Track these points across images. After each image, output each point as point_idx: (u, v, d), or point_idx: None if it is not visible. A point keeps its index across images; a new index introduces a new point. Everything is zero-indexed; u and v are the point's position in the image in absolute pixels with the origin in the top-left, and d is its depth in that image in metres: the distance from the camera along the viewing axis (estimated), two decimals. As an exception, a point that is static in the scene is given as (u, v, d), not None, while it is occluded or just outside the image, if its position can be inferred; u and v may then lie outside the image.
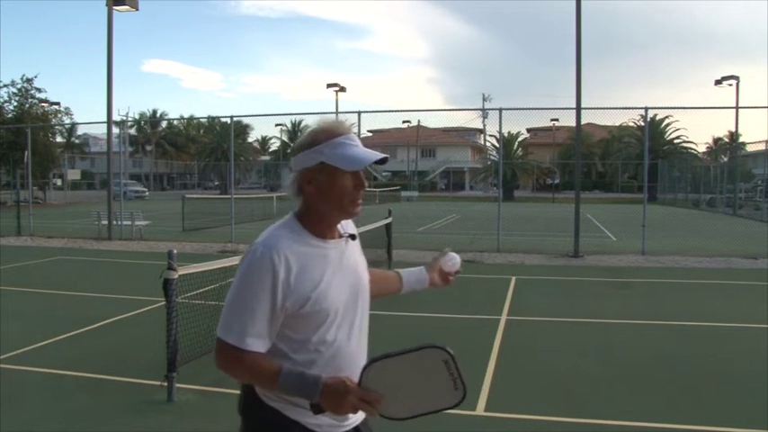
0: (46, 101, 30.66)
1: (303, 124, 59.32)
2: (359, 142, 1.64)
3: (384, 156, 1.64)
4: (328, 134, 1.61)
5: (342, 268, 1.67)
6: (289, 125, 59.24)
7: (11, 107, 29.67)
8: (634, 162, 44.12)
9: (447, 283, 2.07)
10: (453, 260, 2.05)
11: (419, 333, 6.22)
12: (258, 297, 1.56)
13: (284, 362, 1.59)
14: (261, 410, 1.65)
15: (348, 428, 1.69)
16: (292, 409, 1.61)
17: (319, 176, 1.61)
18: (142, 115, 63.81)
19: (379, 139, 57.41)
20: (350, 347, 1.67)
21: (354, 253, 1.76)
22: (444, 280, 2.06)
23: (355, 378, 1.52)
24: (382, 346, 1.61)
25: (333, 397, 1.50)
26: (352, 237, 1.74)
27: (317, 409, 1.52)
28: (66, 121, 33.15)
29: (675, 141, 45.16)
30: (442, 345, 1.48)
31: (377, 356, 1.51)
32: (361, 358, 1.70)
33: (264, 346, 1.59)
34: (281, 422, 1.62)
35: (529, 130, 56.59)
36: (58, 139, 48.25)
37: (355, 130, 1.74)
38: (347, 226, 1.77)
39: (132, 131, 59.40)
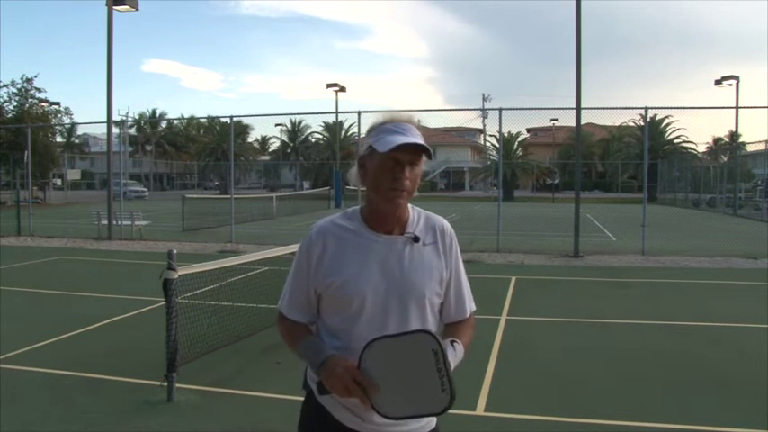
0: (46, 101, 30.69)
1: (303, 124, 59.19)
2: (406, 129, 1.62)
3: (413, 142, 1.58)
4: (380, 122, 1.68)
5: (387, 266, 1.65)
6: (288, 125, 59.16)
7: (11, 107, 29.73)
8: (634, 162, 44.10)
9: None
10: None
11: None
12: (296, 272, 1.73)
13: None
14: (306, 389, 1.76)
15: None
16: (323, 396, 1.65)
17: (368, 161, 1.66)
18: (142, 115, 63.74)
19: (379, 139, 57.35)
20: None
21: (417, 257, 1.68)
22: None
23: None
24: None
25: (331, 368, 1.53)
26: (416, 239, 1.69)
27: (321, 388, 1.57)
28: (66, 121, 33.19)
29: (675, 141, 45.12)
30: (435, 334, 1.50)
31: (376, 336, 1.55)
32: None
33: (304, 318, 1.73)
34: (313, 403, 1.71)
35: (529, 130, 56.63)
36: (58, 139, 48.29)
37: (417, 120, 1.75)
38: (422, 228, 1.73)
39: (132, 131, 59.34)
